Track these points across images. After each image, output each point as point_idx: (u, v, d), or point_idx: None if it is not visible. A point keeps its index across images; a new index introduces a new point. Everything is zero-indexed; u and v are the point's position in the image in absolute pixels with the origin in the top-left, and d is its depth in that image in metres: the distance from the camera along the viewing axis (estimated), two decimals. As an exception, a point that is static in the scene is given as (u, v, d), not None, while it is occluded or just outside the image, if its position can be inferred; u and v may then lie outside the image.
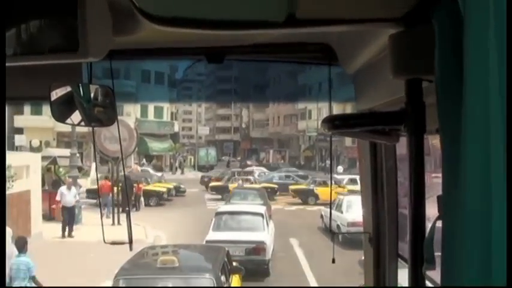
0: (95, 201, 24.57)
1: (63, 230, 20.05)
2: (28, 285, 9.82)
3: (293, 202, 30.67)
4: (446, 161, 1.00)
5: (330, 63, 2.38)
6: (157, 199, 29.66)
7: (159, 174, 37.87)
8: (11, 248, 9.97)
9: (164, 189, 30.94)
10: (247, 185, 31.77)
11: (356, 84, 2.53)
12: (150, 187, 30.27)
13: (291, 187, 32.42)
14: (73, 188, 20.91)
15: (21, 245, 10.14)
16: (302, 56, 2.52)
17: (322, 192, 28.61)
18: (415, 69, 1.38)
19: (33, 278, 9.87)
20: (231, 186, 31.68)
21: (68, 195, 20.47)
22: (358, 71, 2.30)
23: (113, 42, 1.57)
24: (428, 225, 1.43)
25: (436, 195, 1.16)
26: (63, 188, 21.02)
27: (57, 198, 20.83)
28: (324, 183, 29.65)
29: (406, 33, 1.40)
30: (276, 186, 33.59)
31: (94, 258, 15.84)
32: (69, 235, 19.88)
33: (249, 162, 61.58)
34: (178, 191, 33.02)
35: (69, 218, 19.98)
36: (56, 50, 1.41)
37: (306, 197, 30.30)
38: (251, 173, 39.39)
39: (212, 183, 35.52)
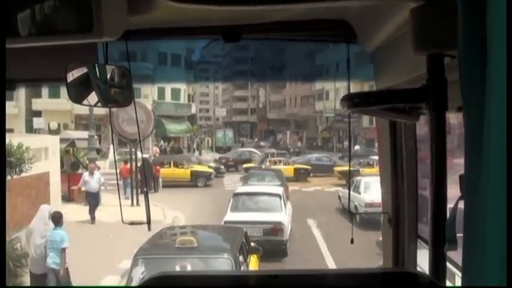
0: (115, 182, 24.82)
1: (91, 214, 19.56)
2: (57, 261, 10.31)
3: (336, 183, 30.31)
4: (469, 140, 0.97)
5: (348, 41, 2.34)
6: (204, 179, 29.93)
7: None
8: (49, 223, 10.80)
9: (211, 170, 31.30)
10: (281, 166, 31.79)
11: (375, 63, 2.49)
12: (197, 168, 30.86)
13: (336, 168, 32.05)
14: (96, 173, 20.36)
15: (57, 219, 10.73)
16: (320, 34, 2.48)
17: (369, 172, 28.30)
18: (437, 43, 1.34)
19: (63, 249, 10.34)
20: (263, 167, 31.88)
21: (91, 182, 19.99)
22: (377, 49, 2.26)
23: (128, 22, 1.55)
24: (448, 206, 1.40)
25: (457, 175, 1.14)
26: (85, 175, 20.50)
27: (80, 184, 20.41)
28: (368, 164, 29.13)
29: (427, 6, 1.36)
30: (309, 167, 33.67)
31: (113, 238, 16.03)
32: (92, 221, 19.39)
33: (262, 144, 61.66)
34: (219, 172, 33.33)
35: (94, 203, 19.73)
36: (71, 31, 1.40)
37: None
38: (284, 154, 39.68)
39: (245, 165, 35.75)
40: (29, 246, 10.86)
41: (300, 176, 32.17)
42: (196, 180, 29.26)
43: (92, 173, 20.27)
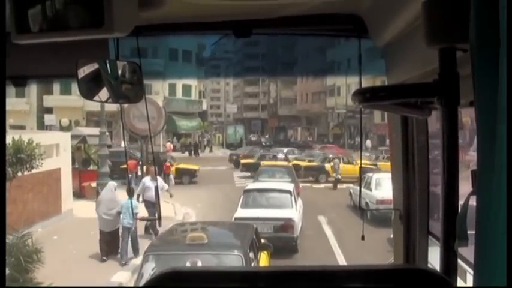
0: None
1: (148, 230, 16.11)
2: (130, 221, 13.48)
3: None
4: (481, 135, 0.97)
5: (359, 36, 2.33)
6: (189, 177, 29.91)
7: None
8: (114, 195, 14.26)
9: (196, 167, 31.25)
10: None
11: (386, 57, 2.48)
12: (182, 165, 30.79)
13: (379, 163, 31.95)
14: (159, 179, 16.09)
15: (131, 193, 13.93)
16: (331, 28, 2.47)
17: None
18: (450, 37, 1.33)
19: (135, 214, 13.66)
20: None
21: (153, 189, 15.49)
22: (389, 43, 2.25)
23: (138, 18, 1.56)
24: (460, 203, 1.40)
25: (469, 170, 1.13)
26: (146, 180, 16.34)
27: (138, 192, 15.93)
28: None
29: (440, 0, 1.35)
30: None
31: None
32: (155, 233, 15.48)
33: (262, 140, 61.52)
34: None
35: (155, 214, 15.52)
36: (81, 26, 1.40)
37: None
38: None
39: (244, 160, 35.60)
40: (98, 212, 14.12)
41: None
42: (181, 177, 29.32)
43: (154, 178, 15.73)
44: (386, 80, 2.56)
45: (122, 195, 14.34)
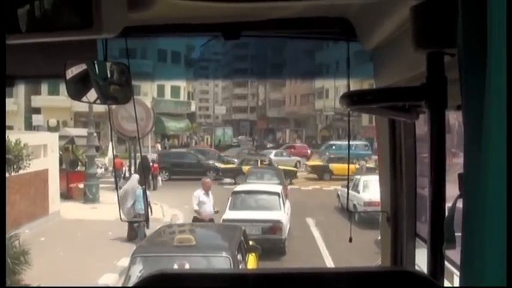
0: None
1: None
2: (140, 206, 14.30)
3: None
4: (468, 138, 0.97)
5: (348, 39, 2.33)
6: None
7: None
8: (137, 186, 15.23)
9: None
10: None
11: (375, 61, 2.49)
12: None
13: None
14: (210, 193, 14.92)
15: (142, 182, 16.49)
16: (320, 31, 2.48)
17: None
18: (437, 41, 1.34)
19: (149, 202, 14.34)
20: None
21: (208, 203, 14.62)
22: (377, 47, 2.26)
23: (127, 19, 1.55)
24: (447, 205, 1.40)
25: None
26: (199, 193, 14.70)
27: (195, 207, 14.67)
28: None
29: (428, 4, 1.36)
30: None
31: (112, 236, 16.03)
32: None
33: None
34: None
35: None
36: (70, 27, 1.40)
37: None
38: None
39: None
40: (123, 202, 14.50)
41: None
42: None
43: (207, 192, 14.68)
44: (374, 83, 2.58)
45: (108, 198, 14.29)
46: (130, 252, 10.16)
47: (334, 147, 41.14)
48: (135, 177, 16.45)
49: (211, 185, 15.29)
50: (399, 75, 2.09)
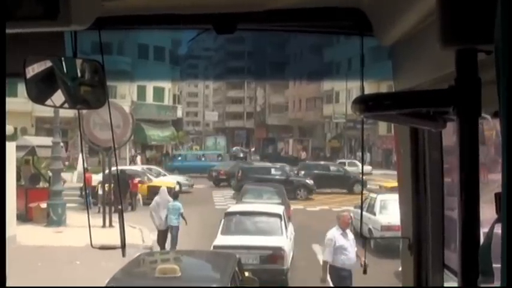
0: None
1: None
2: (176, 221, 18.56)
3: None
4: (507, 151, 0.97)
5: (362, 33, 2.34)
6: None
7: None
8: (167, 198, 19.39)
9: (172, 186, 30.83)
10: None
11: (394, 59, 2.50)
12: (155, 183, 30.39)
13: None
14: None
15: (176, 195, 20.12)
16: (329, 24, 2.49)
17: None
18: (469, 37, 1.34)
19: (181, 214, 18.67)
20: None
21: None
22: (397, 43, 2.27)
23: (101, 8, 1.55)
24: (482, 231, 1.40)
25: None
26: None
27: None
28: None
29: None
30: None
31: (80, 266, 15.96)
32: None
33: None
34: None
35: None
36: (32, 17, 1.39)
37: None
38: None
39: None
40: (156, 213, 19.11)
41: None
42: (154, 197, 29.13)
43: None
44: (393, 85, 2.58)
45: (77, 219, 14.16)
46: (103, 285, 10.12)
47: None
48: (164, 190, 20.36)
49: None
50: (423, 76, 2.09)
